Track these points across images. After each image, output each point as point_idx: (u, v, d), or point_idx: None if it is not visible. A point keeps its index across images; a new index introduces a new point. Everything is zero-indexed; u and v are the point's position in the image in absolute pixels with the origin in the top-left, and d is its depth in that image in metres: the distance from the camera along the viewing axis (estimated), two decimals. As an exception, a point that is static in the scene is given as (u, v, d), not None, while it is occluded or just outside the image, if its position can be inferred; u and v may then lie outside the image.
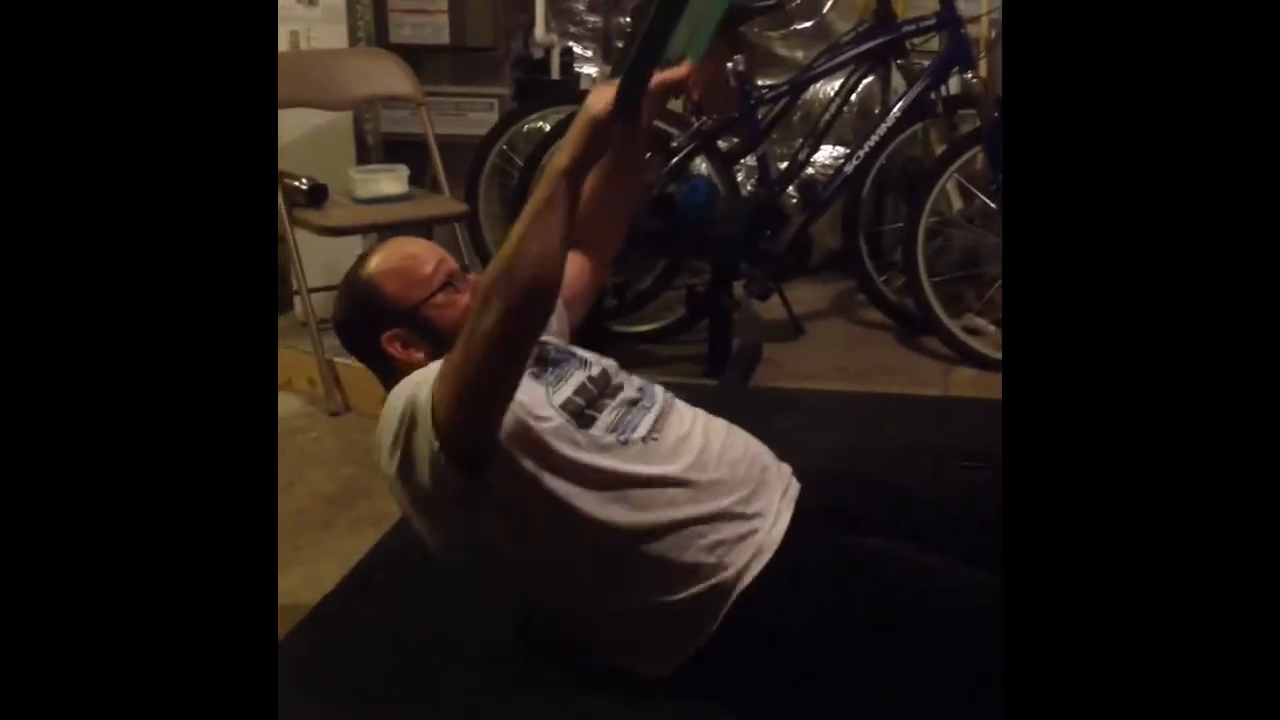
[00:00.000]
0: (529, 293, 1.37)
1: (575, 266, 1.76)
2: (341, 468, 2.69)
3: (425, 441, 1.43)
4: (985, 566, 1.36)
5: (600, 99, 1.37)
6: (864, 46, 3.40)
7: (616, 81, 1.38)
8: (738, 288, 3.53)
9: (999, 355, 3.24)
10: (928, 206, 3.33)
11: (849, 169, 3.40)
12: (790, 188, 3.59)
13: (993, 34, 3.46)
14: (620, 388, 1.64)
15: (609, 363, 1.70)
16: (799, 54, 4.16)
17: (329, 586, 1.99)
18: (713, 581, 1.49)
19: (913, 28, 3.42)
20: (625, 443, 1.54)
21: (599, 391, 1.61)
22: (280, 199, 3.10)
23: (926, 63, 3.43)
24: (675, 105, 3.52)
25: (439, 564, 1.99)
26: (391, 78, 3.45)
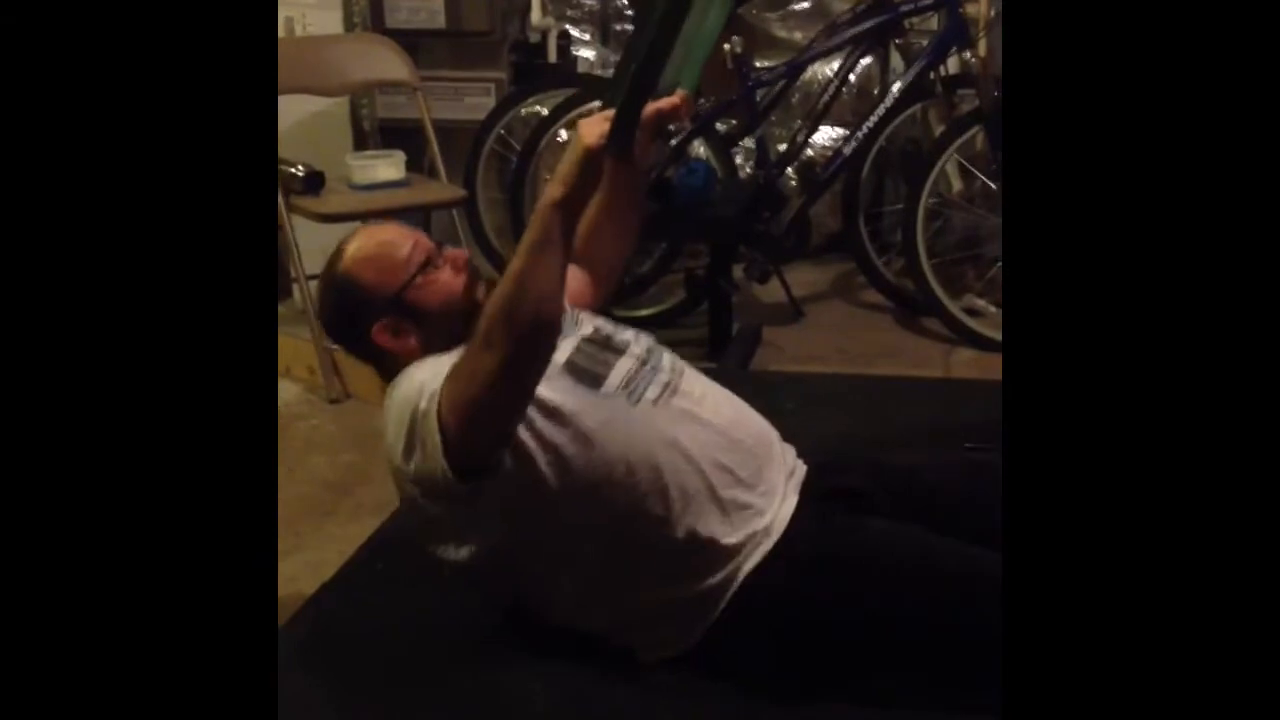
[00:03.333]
0: (531, 331, 1.35)
1: (578, 281, 1.75)
2: (342, 454, 2.69)
3: (433, 457, 1.42)
4: (991, 547, 1.36)
5: (592, 131, 1.35)
6: (862, 27, 3.39)
7: (609, 113, 1.37)
8: (737, 271, 3.52)
9: (999, 336, 3.23)
10: (927, 187, 3.32)
11: (848, 150, 3.39)
12: (789, 170, 3.58)
13: (991, 13, 3.44)
14: (626, 344, 1.62)
15: (600, 321, 1.68)
16: (797, 35, 4.15)
17: (330, 573, 1.99)
18: (721, 562, 1.49)
19: (910, 7, 3.40)
20: (636, 402, 1.53)
21: (602, 346, 1.60)
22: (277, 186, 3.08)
23: (925, 42, 3.42)
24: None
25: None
26: (388, 63, 3.44)
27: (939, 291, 3.35)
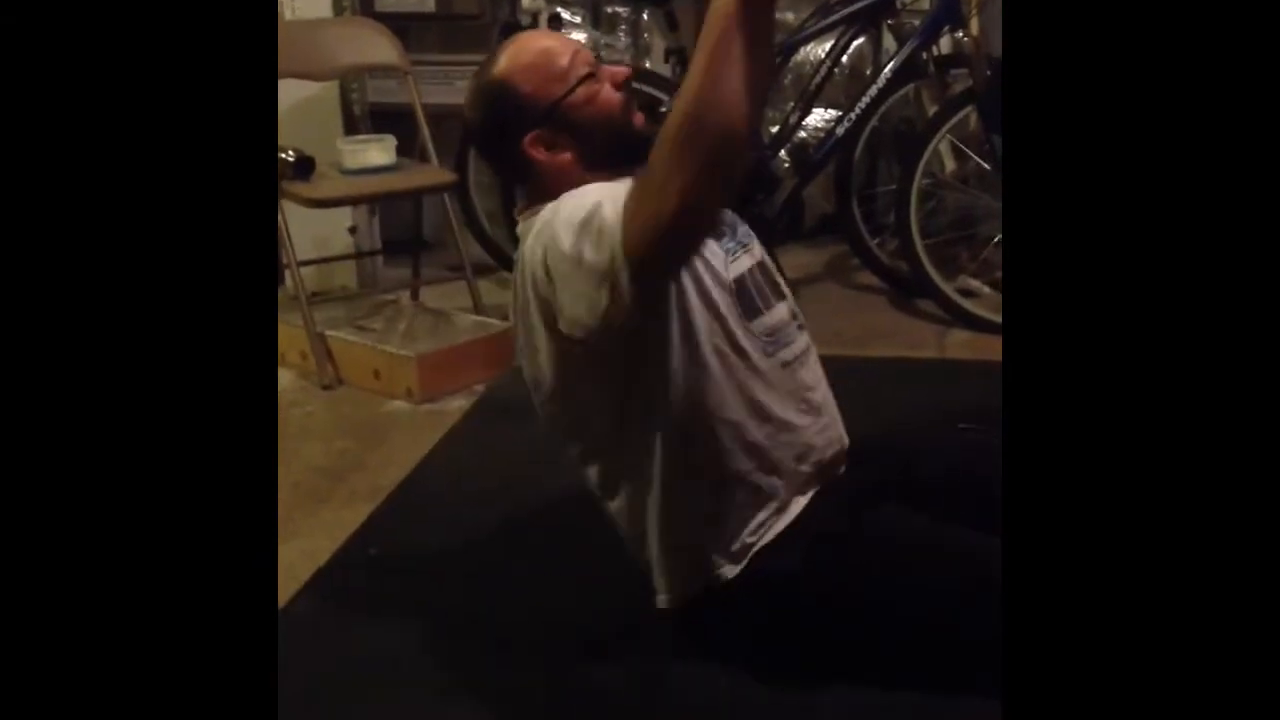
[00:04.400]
0: (723, 138, 1.25)
1: None
2: (335, 441, 2.68)
3: (608, 253, 1.34)
4: (986, 529, 1.35)
5: None
6: (854, 7, 3.37)
7: None
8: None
9: (994, 317, 3.23)
10: (920, 168, 3.30)
11: (841, 131, 3.37)
12: (782, 151, 3.57)
13: (983, -8, 3.42)
14: (783, 294, 1.61)
15: (769, 259, 1.65)
16: (788, 16, 4.12)
17: (324, 559, 1.99)
18: (746, 535, 1.49)
19: (902, -13, 3.38)
20: (772, 354, 1.53)
21: (766, 285, 1.58)
22: (268, 171, 3.07)
23: (917, 22, 3.41)
24: (665, 70, 3.50)
25: (434, 536, 1.99)
26: (378, 47, 3.41)
27: (933, 272, 3.35)
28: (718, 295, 1.49)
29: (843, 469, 1.63)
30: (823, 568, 1.48)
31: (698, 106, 1.25)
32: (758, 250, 1.61)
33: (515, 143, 1.54)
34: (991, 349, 2.94)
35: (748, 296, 1.52)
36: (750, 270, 1.55)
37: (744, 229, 1.63)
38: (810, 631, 1.48)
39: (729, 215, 1.62)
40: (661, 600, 1.54)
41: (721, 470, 1.49)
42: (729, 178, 1.30)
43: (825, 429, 1.58)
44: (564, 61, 1.54)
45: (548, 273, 1.42)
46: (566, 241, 1.38)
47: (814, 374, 1.60)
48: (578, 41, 1.60)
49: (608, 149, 1.53)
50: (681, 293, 1.46)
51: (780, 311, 1.57)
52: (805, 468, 1.54)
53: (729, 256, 1.53)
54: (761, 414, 1.50)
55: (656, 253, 1.33)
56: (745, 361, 1.50)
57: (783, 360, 1.53)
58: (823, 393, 1.60)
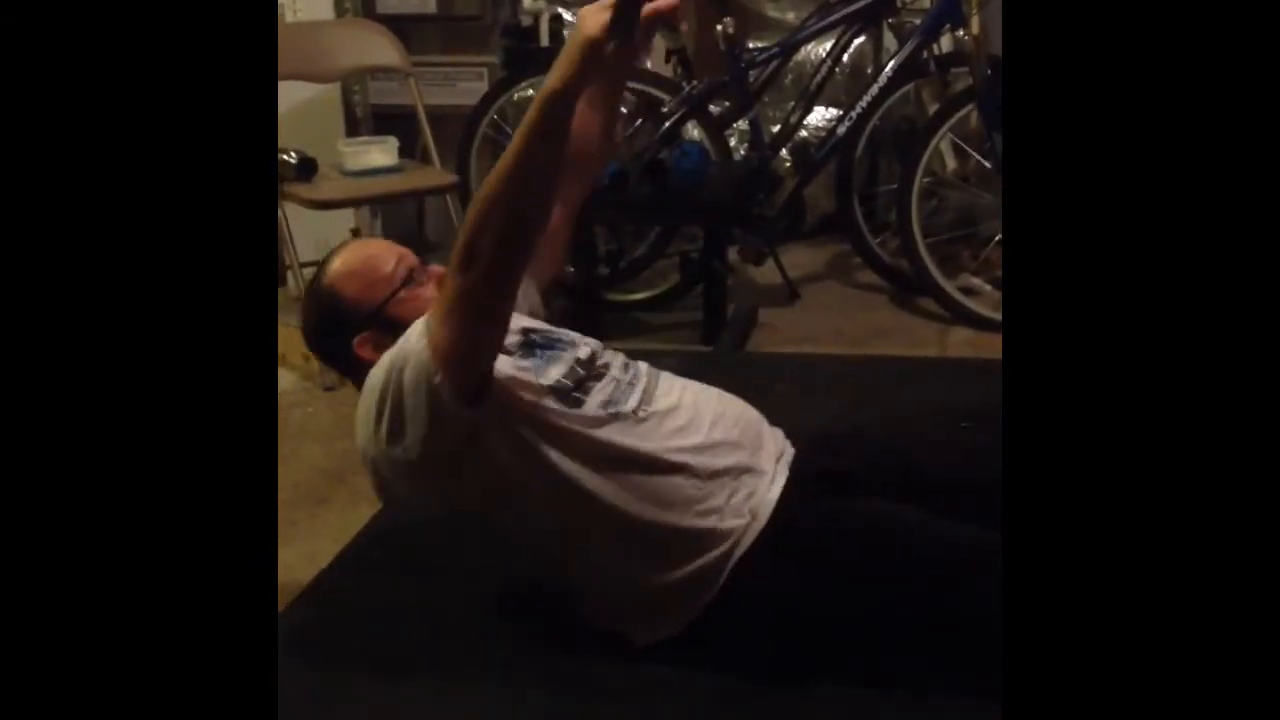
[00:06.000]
0: (523, 219, 1.35)
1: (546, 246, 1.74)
2: (337, 441, 2.68)
3: (422, 380, 1.42)
4: (987, 527, 1.35)
5: (594, 19, 1.33)
6: (855, 6, 3.37)
7: (607, 1, 1.34)
8: (732, 253, 3.51)
9: (995, 315, 3.23)
10: (921, 167, 3.31)
11: (842, 130, 3.38)
12: (783, 151, 3.57)
13: (984, -9, 3.42)
14: (607, 367, 1.63)
15: (594, 343, 1.68)
16: (789, 15, 4.13)
17: (326, 561, 1.98)
18: (711, 547, 1.49)
19: (903, -14, 3.39)
20: (615, 415, 1.54)
21: (586, 374, 1.60)
22: (269, 173, 3.07)
23: (918, 21, 3.40)
24: (666, 70, 3.50)
25: (436, 537, 1.99)
26: (379, 49, 3.42)
27: (934, 271, 3.35)
28: (540, 408, 1.51)
29: (788, 449, 1.62)
30: (822, 567, 1.48)
31: (507, 179, 1.34)
32: (573, 352, 1.63)
33: (346, 343, 1.60)
34: (993, 347, 2.94)
35: (567, 395, 1.54)
36: (565, 373, 1.57)
37: (560, 335, 1.66)
38: (809, 631, 1.48)
39: (537, 328, 1.66)
40: (641, 639, 1.55)
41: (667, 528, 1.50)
42: (526, 250, 1.39)
43: (721, 417, 1.58)
44: (388, 268, 1.61)
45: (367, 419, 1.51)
46: (379, 431, 1.49)
47: (669, 394, 1.60)
48: (401, 247, 1.68)
49: None
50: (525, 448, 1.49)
51: (604, 387, 1.58)
52: (730, 464, 1.54)
53: (539, 374, 1.55)
54: (651, 456, 1.51)
55: (466, 337, 1.41)
56: (607, 435, 1.51)
57: (630, 410, 1.55)
58: (696, 403, 1.60)
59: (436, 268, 1.65)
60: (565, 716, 1.51)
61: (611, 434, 1.52)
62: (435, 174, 3.36)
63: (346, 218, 3.54)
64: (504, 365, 1.51)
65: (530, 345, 1.61)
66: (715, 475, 1.52)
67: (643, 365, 1.66)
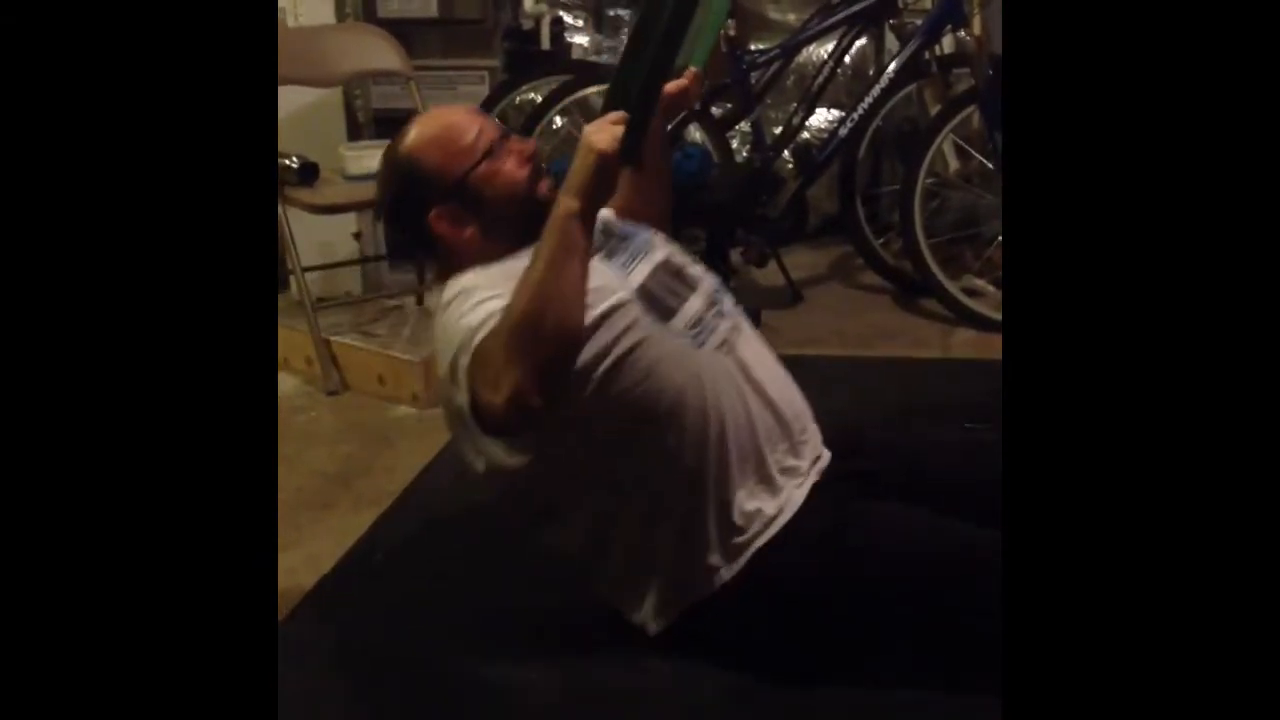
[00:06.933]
0: (557, 344, 1.33)
1: (642, 195, 1.73)
2: (340, 446, 2.68)
3: (463, 399, 1.42)
4: (991, 527, 1.35)
5: (602, 138, 1.32)
6: (856, 7, 3.36)
7: (615, 115, 1.33)
8: (734, 254, 3.51)
9: (998, 316, 3.22)
10: (924, 167, 3.30)
11: (844, 132, 3.37)
12: (785, 152, 3.56)
13: (985, -9, 3.42)
14: (697, 280, 1.60)
15: (673, 249, 1.64)
16: (791, 17, 4.13)
17: (329, 565, 1.98)
18: (735, 531, 1.48)
19: (904, -13, 3.38)
20: (701, 345, 1.51)
21: (675, 277, 1.57)
22: (272, 178, 3.07)
23: (919, 22, 3.40)
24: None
25: (439, 542, 1.99)
26: (380, 53, 3.41)
27: (937, 272, 3.34)
28: (628, 309, 1.48)
29: (824, 453, 1.61)
30: (824, 567, 1.48)
31: (533, 312, 1.31)
32: (660, 249, 1.60)
33: (421, 217, 1.55)
34: (996, 348, 2.94)
35: (657, 300, 1.51)
36: (653, 274, 1.55)
37: (643, 236, 1.62)
38: (811, 630, 1.48)
39: (618, 228, 1.62)
40: (653, 628, 1.54)
41: (692, 476, 1.48)
42: (565, 367, 1.36)
43: (782, 397, 1.57)
44: (469, 137, 1.55)
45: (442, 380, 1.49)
46: (444, 367, 1.46)
47: (754, 350, 1.58)
48: (485, 116, 1.61)
49: (513, 223, 1.54)
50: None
51: (695, 302, 1.55)
52: (776, 447, 1.53)
53: (623, 271, 1.53)
54: (712, 409, 1.48)
55: (496, 429, 1.42)
56: (678, 358, 1.49)
57: (715, 348, 1.52)
58: (769, 369, 1.58)
59: (518, 141, 1.60)
60: (568, 716, 1.51)
61: (694, 365, 1.49)
62: (437, 178, 3.36)
63: (349, 222, 3.54)
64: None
65: (609, 233, 1.57)
66: (767, 454, 1.52)
67: (729, 301, 1.62)
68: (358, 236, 3.60)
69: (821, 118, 3.86)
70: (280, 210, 3.07)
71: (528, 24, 4.01)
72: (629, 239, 1.60)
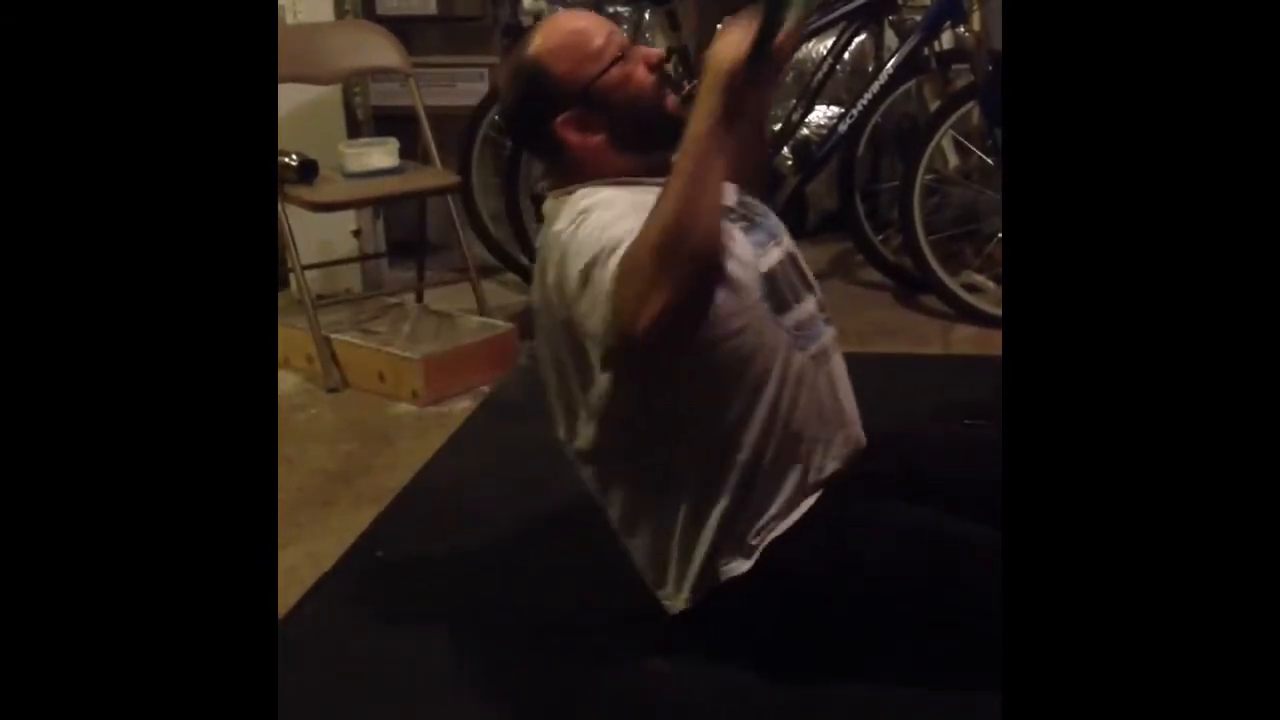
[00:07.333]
0: (697, 268, 1.30)
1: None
2: (341, 444, 2.68)
3: (597, 322, 1.37)
4: (996, 525, 1.35)
5: (731, 47, 1.30)
6: (855, 3, 3.36)
7: (741, 25, 1.30)
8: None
9: (999, 312, 3.22)
10: (923, 164, 3.30)
11: (843, 128, 3.37)
12: (784, 149, 3.56)
13: (985, -13, 3.42)
14: (812, 285, 1.60)
15: (794, 245, 1.63)
16: (790, 13, 4.12)
17: (330, 563, 1.99)
18: (755, 520, 1.49)
19: (904, -18, 3.38)
20: (803, 349, 1.52)
21: (796, 279, 1.57)
22: (271, 176, 3.07)
23: (919, 18, 3.40)
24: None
25: (441, 539, 1.99)
26: (380, 50, 3.41)
27: (937, 268, 3.34)
28: (750, 287, 1.47)
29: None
30: (825, 566, 1.48)
31: (676, 228, 1.28)
32: (788, 242, 1.61)
33: (548, 123, 1.53)
34: (996, 345, 2.93)
35: (778, 290, 1.51)
36: (781, 263, 1.54)
37: (774, 221, 1.62)
38: (815, 626, 1.48)
39: (758, 207, 1.61)
40: (679, 603, 1.54)
41: (746, 466, 1.48)
42: (707, 289, 1.33)
43: (845, 425, 1.58)
44: (598, 42, 1.53)
45: (563, 290, 1.44)
46: (574, 273, 1.40)
47: (840, 368, 1.59)
48: (611, 23, 1.59)
49: (640, 131, 1.52)
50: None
51: (809, 305, 1.56)
52: (826, 462, 1.53)
53: (758, 250, 1.52)
54: (789, 407, 1.49)
55: (637, 349, 1.36)
56: (774, 355, 1.49)
57: (811, 354, 1.53)
58: (845, 389, 1.59)
59: (647, 48, 1.58)
60: (569, 716, 1.51)
61: (793, 358, 1.49)
62: (437, 175, 3.36)
63: (348, 219, 3.54)
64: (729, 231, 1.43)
65: (748, 215, 1.56)
66: (816, 466, 1.53)
67: (826, 322, 1.62)
68: (357, 234, 3.60)
69: (821, 114, 3.85)
70: (280, 208, 3.07)
71: (527, 21, 4.00)
72: (763, 220, 1.59)
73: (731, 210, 1.49)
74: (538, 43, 1.55)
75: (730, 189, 1.51)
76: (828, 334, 1.58)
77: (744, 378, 1.47)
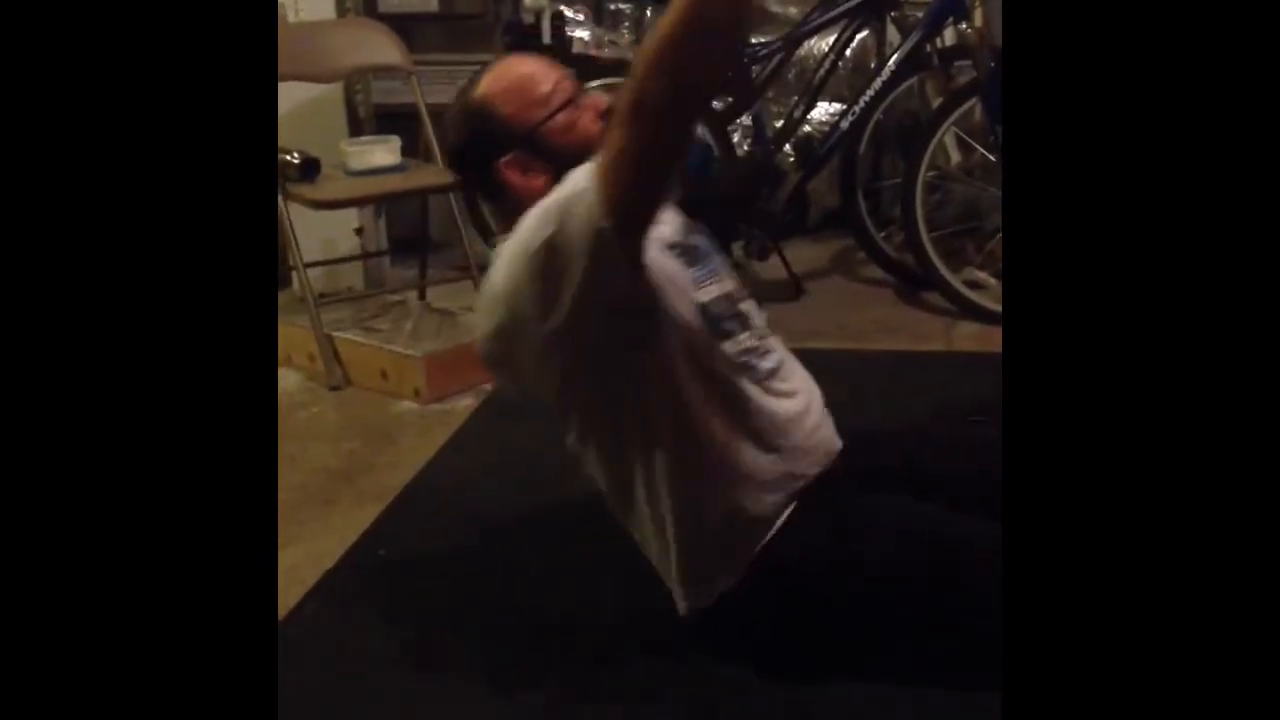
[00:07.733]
0: (699, 64, 1.26)
1: None
2: (343, 442, 2.68)
3: (590, 225, 1.34)
4: (997, 522, 1.35)
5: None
6: (857, 0, 3.36)
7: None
8: (736, 249, 3.50)
9: (1001, 309, 3.21)
10: (925, 160, 3.29)
11: (845, 125, 3.37)
12: (786, 146, 3.56)
13: (987, -16, 3.41)
14: (750, 319, 1.61)
15: (739, 289, 1.65)
16: (792, 10, 4.12)
17: (332, 561, 1.99)
18: (758, 533, 1.49)
19: (906, -21, 3.38)
20: (747, 368, 1.53)
21: (733, 311, 1.58)
22: (273, 174, 3.07)
23: (921, 14, 3.39)
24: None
25: (443, 537, 1.99)
26: (381, 48, 3.41)
27: (939, 265, 3.34)
28: (690, 319, 1.50)
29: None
30: (828, 564, 1.48)
31: (671, 29, 1.24)
32: (728, 284, 1.62)
33: (491, 164, 1.54)
34: (998, 342, 2.93)
35: (715, 319, 1.53)
36: (716, 299, 1.56)
37: (719, 261, 1.64)
38: (815, 626, 1.48)
39: (703, 245, 1.63)
40: (681, 608, 1.55)
41: (724, 499, 1.49)
42: (693, 106, 1.32)
43: (813, 433, 1.58)
44: (545, 88, 1.55)
45: (523, 275, 1.43)
46: (538, 235, 1.39)
47: (792, 382, 1.59)
48: (562, 68, 1.60)
49: None
50: (657, 325, 1.47)
51: (744, 340, 1.57)
52: (797, 475, 1.54)
53: (696, 285, 1.54)
54: (748, 434, 1.51)
55: (634, 189, 1.33)
56: (722, 383, 1.51)
57: (760, 379, 1.55)
58: (805, 399, 1.59)
59: (597, 97, 1.59)
60: (570, 715, 1.51)
61: (743, 384, 1.51)
62: (438, 172, 3.35)
63: (350, 217, 3.54)
64: (666, 262, 1.46)
65: (690, 251, 1.58)
66: (791, 474, 1.54)
67: (775, 340, 1.64)
68: (359, 232, 3.60)
69: (823, 111, 3.85)
70: (282, 206, 3.07)
71: (528, 18, 4.00)
72: (707, 257, 1.61)
73: (674, 246, 1.51)
74: (486, 84, 1.57)
75: (676, 226, 1.56)
76: (770, 358, 1.59)
77: (688, 411, 1.50)
